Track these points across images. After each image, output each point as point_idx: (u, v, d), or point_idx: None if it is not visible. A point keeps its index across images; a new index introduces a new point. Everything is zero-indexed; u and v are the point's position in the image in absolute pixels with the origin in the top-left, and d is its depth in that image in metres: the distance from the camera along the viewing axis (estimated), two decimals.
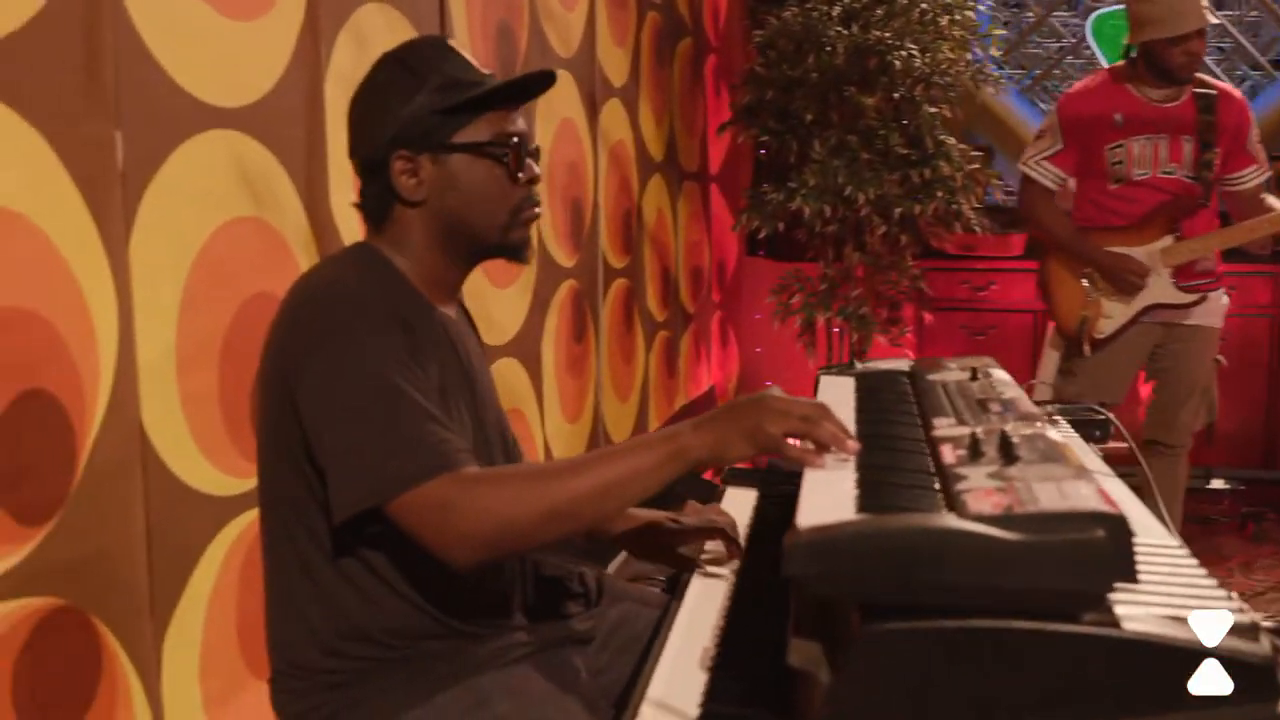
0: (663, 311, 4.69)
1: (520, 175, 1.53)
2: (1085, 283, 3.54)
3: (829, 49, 4.37)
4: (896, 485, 1.30)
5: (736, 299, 5.84)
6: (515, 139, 1.53)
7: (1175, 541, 1.39)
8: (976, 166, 4.47)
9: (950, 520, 1.11)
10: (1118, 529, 1.08)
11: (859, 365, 2.13)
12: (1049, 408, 2.07)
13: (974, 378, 1.85)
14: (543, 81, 1.59)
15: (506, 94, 1.54)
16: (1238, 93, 3.61)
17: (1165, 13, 3.36)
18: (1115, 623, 1.08)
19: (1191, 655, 1.05)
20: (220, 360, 1.87)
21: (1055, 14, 5.66)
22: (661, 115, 4.63)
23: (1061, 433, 1.81)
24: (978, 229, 4.47)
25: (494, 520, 1.33)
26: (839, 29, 4.36)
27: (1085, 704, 1.08)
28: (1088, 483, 1.19)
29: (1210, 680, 1.05)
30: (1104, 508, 1.11)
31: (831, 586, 1.12)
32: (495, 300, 3.01)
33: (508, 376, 3.09)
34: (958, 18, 4.42)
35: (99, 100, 1.58)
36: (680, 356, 4.98)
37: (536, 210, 1.57)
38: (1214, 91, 3.49)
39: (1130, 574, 1.09)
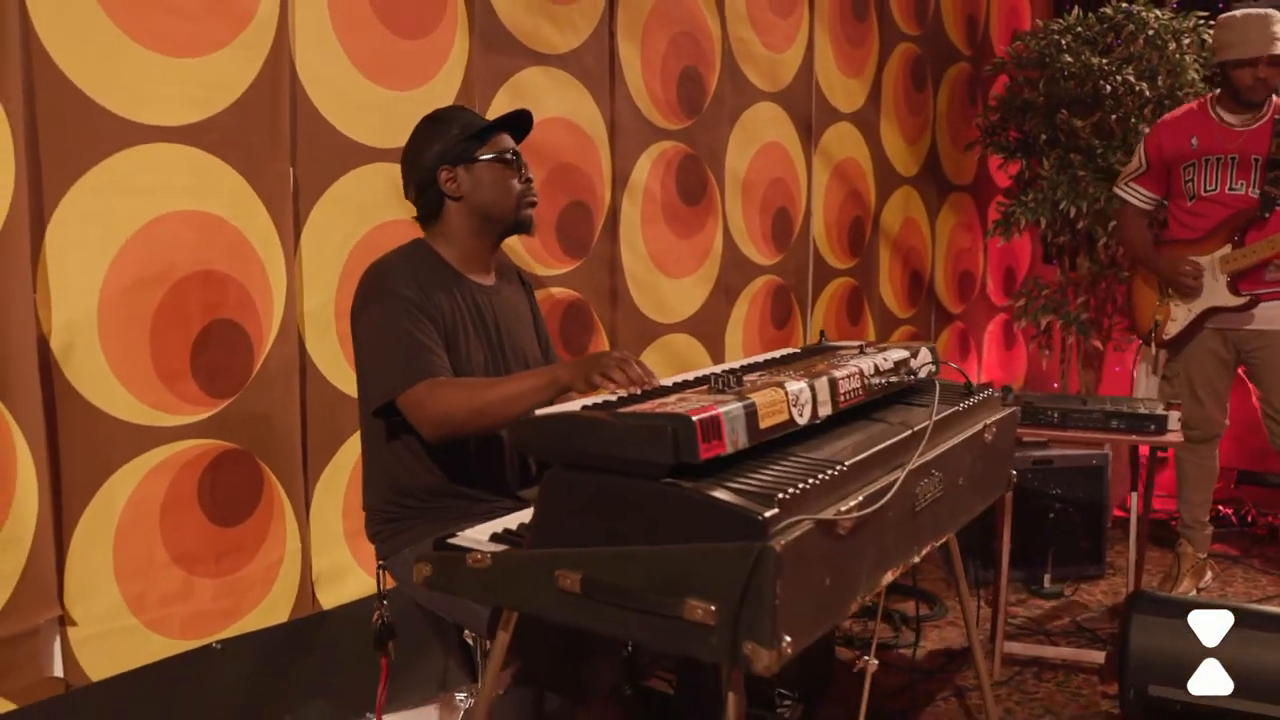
0: (907, 309, 5.26)
1: (520, 174, 2.38)
2: (1158, 290, 3.99)
3: (1064, 74, 4.77)
4: (629, 400, 2.02)
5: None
6: (513, 154, 2.39)
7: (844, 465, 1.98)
8: None
9: (594, 414, 1.85)
10: (683, 426, 1.77)
11: (824, 342, 2.77)
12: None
13: (861, 352, 2.48)
14: (527, 122, 2.44)
15: (506, 124, 2.40)
16: None
17: (1238, 38, 3.77)
18: (679, 485, 1.77)
19: (717, 506, 1.72)
20: None
21: None
22: (916, 134, 5.20)
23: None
24: None
25: (441, 412, 2.19)
26: (1067, 56, 4.74)
27: (655, 530, 1.77)
28: (710, 403, 1.86)
29: (726, 524, 1.71)
30: (685, 414, 1.79)
31: (532, 450, 1.90)
32: (669, 288, 3.83)
33: (680, 348, 3.90)
34: (1187, 41, 4.65)
35: (279, 147, 2.61)
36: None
37: (534, 199, 2.42)
38: None
39: (692, 455, 1.77)
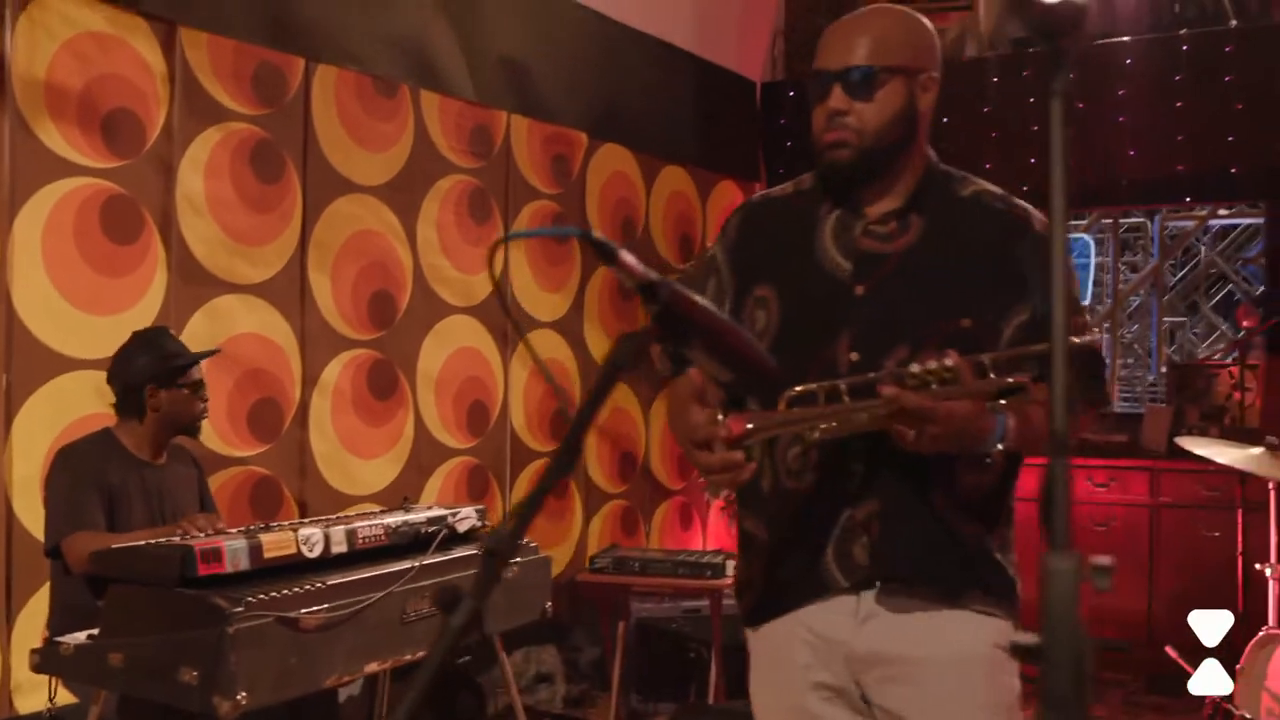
0: (619, 486, 6.22)
1: (200, 396, 3.35)
2: None
3: None
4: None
5: None
6: (199, 382, 3.36)
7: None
8: None
9: (141, 546, 2.76)
10: (187, 553, 2.68)
11: (405, 504, 3.71)
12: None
13: (405, 510, 3.41)
14: (205, 355, 3.42)
15: (193, 361, 3.37)
16: None
17: None
18: (183, 592, 2.66)
19: (201, 604, 2.62)
20: None
21: None
22: None
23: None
24: None
25: (76, 556, 3.09)
26: None
27: (171, 621, 2.66)
28: (220, 540, 2.78)
29: (206, 616, 2.61)
30: (191, 545, 2.70)
31: (108, 573, 2.79)
32: (359, 466, 4.75)
33: None
34: None
35: None
36: (651, 523, 6.45)
37: (205, 415, 3.40)
38: None
39: (193, 572, 2.67)
